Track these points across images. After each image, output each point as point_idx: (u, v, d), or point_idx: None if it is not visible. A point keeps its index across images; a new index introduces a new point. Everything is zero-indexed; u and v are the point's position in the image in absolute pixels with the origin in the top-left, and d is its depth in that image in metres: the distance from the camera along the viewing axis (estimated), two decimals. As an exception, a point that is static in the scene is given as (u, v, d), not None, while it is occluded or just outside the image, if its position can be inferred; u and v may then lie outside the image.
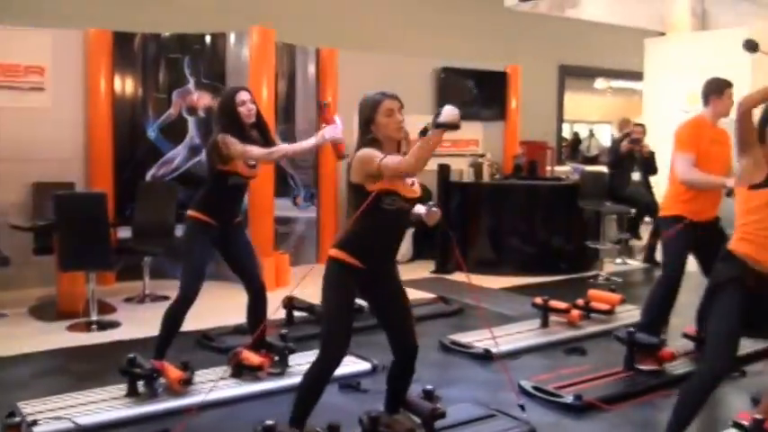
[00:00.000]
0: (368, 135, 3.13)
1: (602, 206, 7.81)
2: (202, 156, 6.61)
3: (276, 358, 4.49)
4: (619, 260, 8.66)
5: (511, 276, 7.64)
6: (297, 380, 4.28)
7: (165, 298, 6.51)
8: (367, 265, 3.16)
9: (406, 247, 8.45)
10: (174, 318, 4.23)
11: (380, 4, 10.61)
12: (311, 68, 8.03)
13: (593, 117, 18.43)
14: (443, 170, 8.04)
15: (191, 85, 7.28)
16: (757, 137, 3.18)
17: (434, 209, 3.36)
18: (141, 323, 5.63)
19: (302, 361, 4.56)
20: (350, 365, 4.52)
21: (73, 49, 6.97)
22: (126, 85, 7.25)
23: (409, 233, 8.43)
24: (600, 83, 18.67)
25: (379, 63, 8.74)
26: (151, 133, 7.28)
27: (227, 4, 8.76)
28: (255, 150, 4.14)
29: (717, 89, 4.51)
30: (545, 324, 5.57)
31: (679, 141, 4.53)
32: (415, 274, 7.65)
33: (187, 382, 4.10)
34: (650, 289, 4.81)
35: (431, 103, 9.13)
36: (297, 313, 5.65)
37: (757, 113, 3.25)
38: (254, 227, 6.86)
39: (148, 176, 7.25)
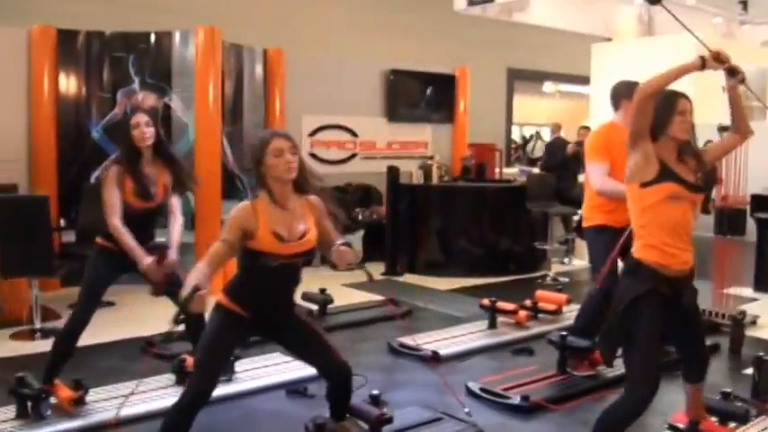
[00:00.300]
0: (258, 175, 3.03)
1: (549, 207, 7.89)
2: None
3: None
4: (566, 260, 8.79)
5: (460, 278, 7.68)
6: (244, 386, 4.32)
7: (111, 304, 6.41)
8: (251, 315, 3.05)
9: (355, 249, 8.41)
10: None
11: (332, 6, 10.57)
12: (259, 69, 7.95)
13: (541, 120, 18.63)
14: (392, 172, 8.05)
15: (136, 84, 7.15)
16: (649, 131, 3.03)
17: (343, 247, 3.18)
18: (89, 329, 5.48)
19: (249, 366, 4.56)
20: (297, 370, 4.49)
21: (16, 47, 6.78)
22: (70, 84, 7.07)
23: (359, 236, 8.43)
24: (548, 86, 18.92)
25: (328, 65, 8.73)
26: (95, 134, 7.12)
27: (174, 3, 8.65)
28: (109, 211, 3.93)
29: (627, 92, 4.14)
30: (493, 325, 5.60)
31: (590, 150, 4.43)
32: (365, 277, 7.61)
33: (79, 401, 3.88)
34: (586, 294, 4.86)
35: (380, 106, 9.15)
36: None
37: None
38: (200, 230, 6.76)
39: (92, 178, 7.09)
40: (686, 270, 3.06)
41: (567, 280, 7.68)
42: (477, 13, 13.62)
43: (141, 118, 3.99)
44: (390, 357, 5.04)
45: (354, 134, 8.95)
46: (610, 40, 14.48)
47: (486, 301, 5.69)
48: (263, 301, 3.09)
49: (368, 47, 10.33)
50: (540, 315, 5.86)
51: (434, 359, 4.86)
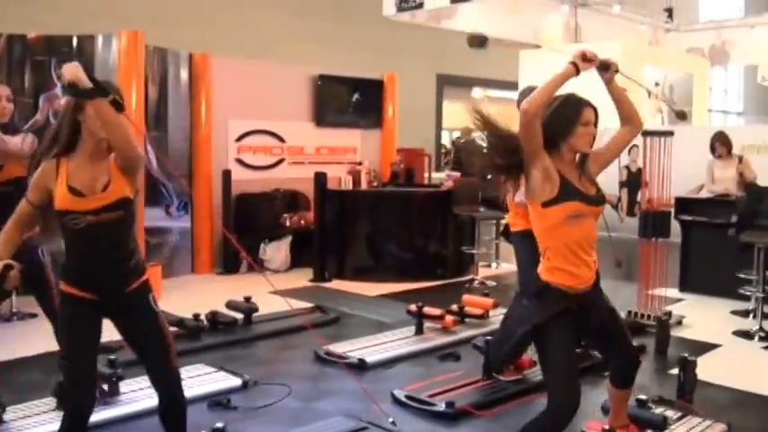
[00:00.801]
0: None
1: (474, 212, 7.94)
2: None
3: (105, 387, 4.11)
4: (494, 264, 8.86)
5: (389, 283, 7.64)
6: (130, 408, 4.03)
7: (33, 315, 6.17)
8: (91, 295, 2.77)
9: (283, 255, 8.34)
10: None
11: (260, 11, 10.48)
12: (184, 74, 7.80)
13: (470, 125, 18.83)
14: (320, 178, 7.98)
15: (58, 89, 6.93)
16: (543, 143, 2.86)
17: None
18: (8, 343, 5.30)
19: (136, 387, 4.22)
20: (220, 381, 4.40)
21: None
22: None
23: (286, 242, 8.34)
24: (477, 92, 19.15)
25: (255, 69, 8.63)
26: (13, 141, 6.87)
27: (101, 7, 8.43)
28: None
29: None
30: (420, 331, 5.59)
31: None
32: (292, 283, 7.55)
33: None
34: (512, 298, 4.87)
35: (308, 111, 9.08)
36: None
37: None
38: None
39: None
40: (590, 285, 2.97)
41: (494, 284, 7.74)
42: (406, 20, 13.77)
43: (3, 91, 3.91)
44: (316, 366, 4.97)
45: (282, 139, 8.85)
46: (538, 47, 14.79)
47: (413, 307, 5.67)
48: (90, 275, 2.77)
49: (296, 52, 10.27)
50: (467, 320, 5.86)
51: (360, 367, 4.82)
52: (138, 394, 4.18)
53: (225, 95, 8.10)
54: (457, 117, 18.70)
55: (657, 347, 5.30)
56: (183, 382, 2.98)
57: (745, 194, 6.79)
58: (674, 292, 7.06)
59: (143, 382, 4.22)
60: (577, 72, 2.89)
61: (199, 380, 4.46)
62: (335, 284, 7.71)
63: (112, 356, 4.19)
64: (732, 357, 5.37)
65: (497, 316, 5.95)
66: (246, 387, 4.40)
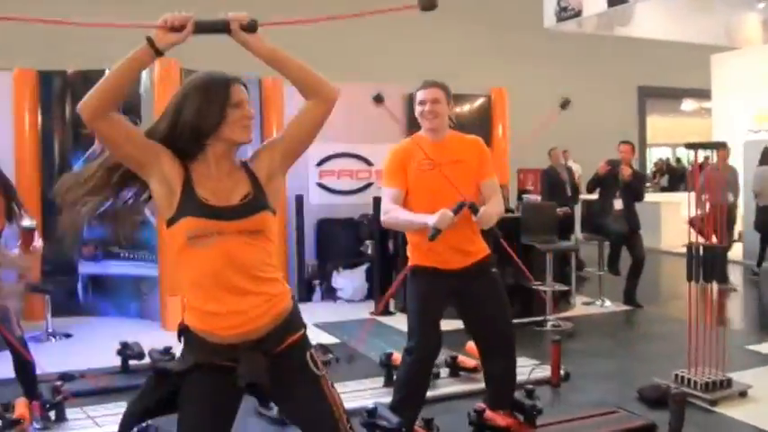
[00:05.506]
0: None
1: (547, 242, 6.97)
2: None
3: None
4: (598, 302, 7.75)
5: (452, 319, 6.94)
6: None
7: (69, 336, 6.51)
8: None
9: (358, 283, 8.01)
10: None
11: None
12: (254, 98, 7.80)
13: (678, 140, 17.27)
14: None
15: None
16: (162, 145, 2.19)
17: None
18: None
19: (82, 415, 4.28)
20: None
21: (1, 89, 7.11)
22: (54, 122, 7.33)
23: (362, 269, 7.97)
24: (687, 104, 17.42)
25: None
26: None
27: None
28: None
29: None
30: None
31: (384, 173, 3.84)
32: (351, 315, 7.20)
33: None
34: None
35: (401, 132, 8.65)
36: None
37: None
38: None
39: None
40: (245, 333, 2.18)
41: (569, 326, 6.75)
42: (572, 29, 12.72)
43: None
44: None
45: (369, 163, 8.50)
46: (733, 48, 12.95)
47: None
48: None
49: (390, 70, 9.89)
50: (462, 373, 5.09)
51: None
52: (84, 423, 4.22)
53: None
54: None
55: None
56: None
57: None
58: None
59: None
60: (156, 51, 2.09)
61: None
62: (395, 319, 7.13)
63: (58, 383, 4.30)
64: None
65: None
66: None
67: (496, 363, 3.80)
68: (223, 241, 2.15)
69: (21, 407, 4.07)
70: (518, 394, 3.99)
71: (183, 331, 2.25)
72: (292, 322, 2.30)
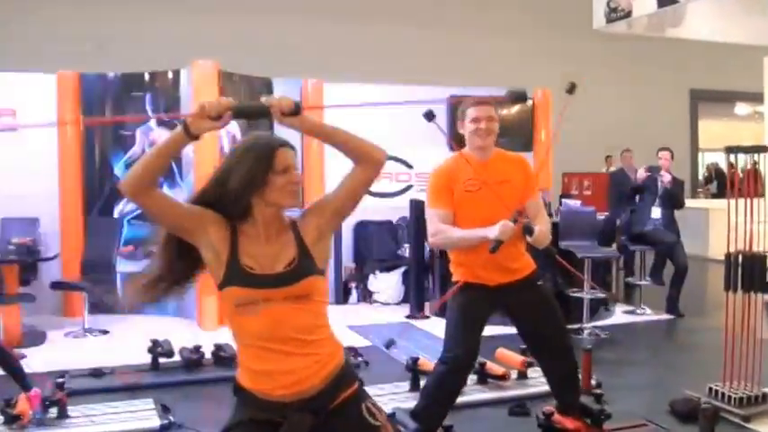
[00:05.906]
0: None
1: (583, 247, 6.84)
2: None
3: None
4: (639, 310, 7.59)
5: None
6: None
7: (106, 332, 6.62)
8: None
9: (394, 286, 7.96)
10: None
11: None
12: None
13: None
14: (417, 205, 7.45)
15: (153, 122, 7.34)
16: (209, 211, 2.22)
17: None
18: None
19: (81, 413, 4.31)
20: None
21: (45, 92, 7.25)
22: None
23: (399, 272, 7.91)
24: (741, 108, 16.94)
25: (378, 94, 8.36)
26: (118, 171, 7.41)
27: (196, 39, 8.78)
28: None
29: (461, 112, 3.66)
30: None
31: (427, 194, 3.85)
32: (386, 318, 7.17)
33: None
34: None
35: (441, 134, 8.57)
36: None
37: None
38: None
39: (116, 213, 7.39)
40: (296, 393, 2.20)
41: (606, 335, 6.62)
42: (622, 30, 12.47)
43: None
44: None
45: (409, 165, 8.46)
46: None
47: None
48: None
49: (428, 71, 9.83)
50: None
51: None
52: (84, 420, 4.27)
53: (340, 122, 7.94)
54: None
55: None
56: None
57: None
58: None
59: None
60: (190, 136, 2.08)
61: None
62: (430, 323, 7.08)
63: (60, 380, 4.37)
64: None
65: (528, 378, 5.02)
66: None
67: (556, 367, 3.82)
68: (270, 308, 2.17)
69: (22, 403, 4.15)
70: (586, 399, 4.06)
71: (236, 388, 2.28)
72: (344, 378, 2.28)
